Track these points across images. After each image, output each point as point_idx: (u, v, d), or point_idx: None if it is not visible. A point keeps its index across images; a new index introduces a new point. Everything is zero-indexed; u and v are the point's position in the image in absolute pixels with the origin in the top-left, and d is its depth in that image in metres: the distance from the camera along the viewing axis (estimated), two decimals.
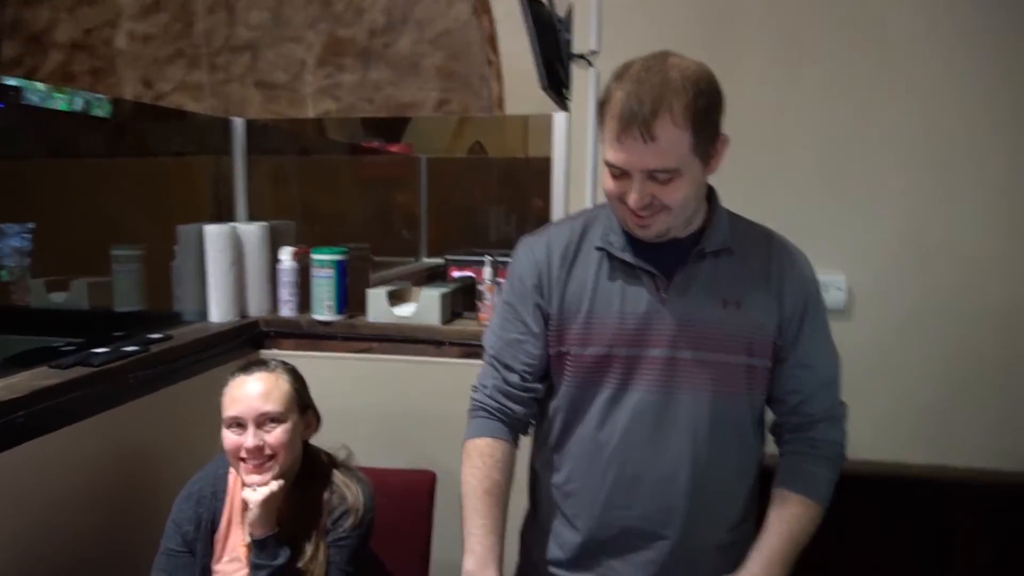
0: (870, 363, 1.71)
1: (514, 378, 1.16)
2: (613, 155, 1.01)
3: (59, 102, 2.26)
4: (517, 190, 3.49)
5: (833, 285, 1.75)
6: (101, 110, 2.33)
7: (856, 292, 1.76)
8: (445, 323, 1.92)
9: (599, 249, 1.13)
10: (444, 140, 3.73)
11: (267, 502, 1.24)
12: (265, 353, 1.99)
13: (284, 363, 1.37)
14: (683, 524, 1.11)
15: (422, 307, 1.91)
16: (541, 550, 1.21)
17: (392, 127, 3.42)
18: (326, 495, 1.34)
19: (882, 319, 1.73)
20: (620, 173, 1.02)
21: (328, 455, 1.42)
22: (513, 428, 1.18)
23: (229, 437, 1.28)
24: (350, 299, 1.99)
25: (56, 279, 2.07)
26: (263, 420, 1.27)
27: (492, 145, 3.70)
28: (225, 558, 1.35)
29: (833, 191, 1.71)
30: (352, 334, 1.95)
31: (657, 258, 1.09)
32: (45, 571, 1.38)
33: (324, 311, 1.95)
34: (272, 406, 1.28)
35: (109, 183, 2.15)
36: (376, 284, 2.07)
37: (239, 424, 1.27)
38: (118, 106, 2.32)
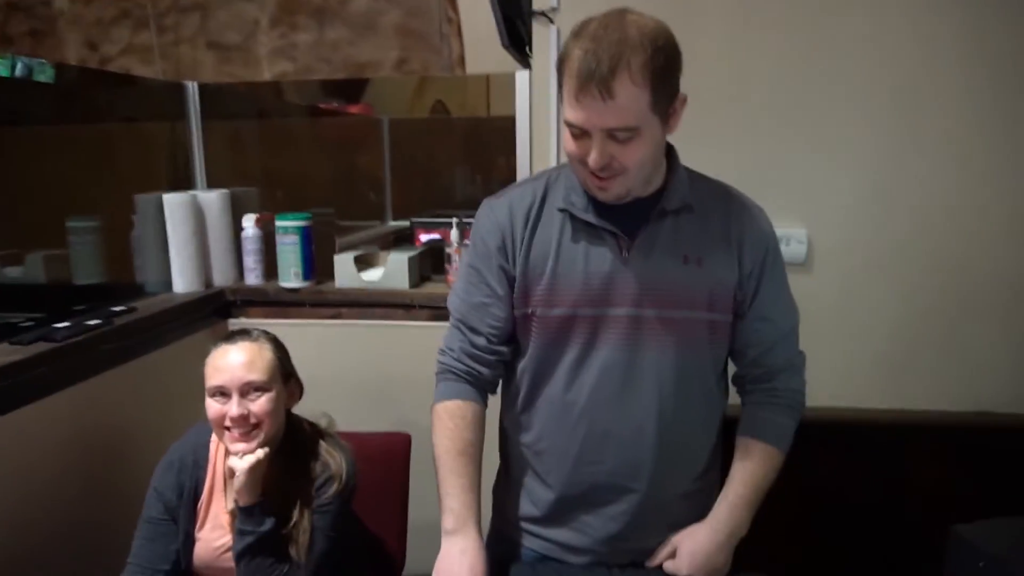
0: (830, 313, 1.75)
1: (480, 341, 1.18)
2: (572, 114, 1.01)
3: None
4: (481, 149, 3.46)
5: (795, 238, 1.78)
6: (44, 75, 2.23)
7: (816, 245, 1.79)
8: (413, 286, 1.92)
9: (561, 211, 1.13)
10: (405, 100, 3.66)
11: (253, 470, 1.24)
12: (233, 323, 1.97)
13: (267, 333, 1.36)
14: (651, 476, 1.15)
15: (390, 271, 1.91)
16: (515, 507, 1.24)
17: (351, 88, 3.35)
18: (309, 463, 1.34)
19: (841, 271, 1.76)
20: (580, 133, 1.02)
21: (311, 424, 1.42)
22: (481, 389, 1.20)
23: (213, 406, 1.27)
24: (317, 265, 1.97)
25: (9, 253, 2.01)
26: (247, 389, 1.26)
27: (455, 104, 3.65)
28: (208, 525, 1.35)
29: (794, 146, 1.72)
30: (320, 300, 1.94)
31: (619, 218, 1.11)
32: (19, 546, 1.38)
33: (291, 278, 1.93)
34: (256, 375, 1.27)
35: (58, 152, 2.06)
36: (343, 249, 2.05)
37: (223, 393, 1.27)
38: (62, 71, 2.23)
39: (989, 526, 0.77)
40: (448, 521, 1.11)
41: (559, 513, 1.19)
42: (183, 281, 1.89)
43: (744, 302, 1.15)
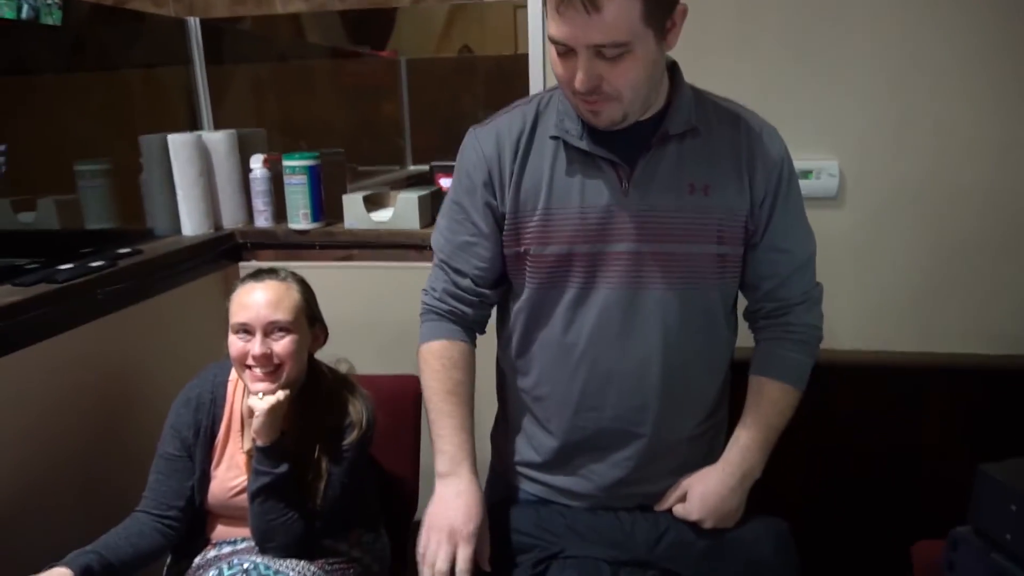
0: (860, 252, 1.66)
1: (465, 283, 1.11)
2: (555, 29, 0.90)
3: (4, 9, 2.11)
4: (506, 89, 3.33)
5: (826, 171, 1.69)
6: (51, 17, 2.18)
7: (848, 178, 1.69)
8: (425, 227, 1.85)
9: (554, 138, 1.04)
10: (431, 45, 3.54)
11: (273, 411, 1.22)
12: (244, 266, 1.95)
13: (294, 274, 1.33)
14: (656, 420, 1.09)
15: (400, 211, 1.85)
16: (514, 452, 1.19)
17: (377, 33, 3.24)
18: (328, 409, 1.32)
19: (873, 206, 1.67)
20: (565, 50, 0.91)
21: (332, 370, 1.39)
22: (468, 328, 1.14)
23: (236, 344, 1.25)
24: (326, 206, 1.92)
25: (22, 199, 1.99)
26: (271, 328, 1.24)
27: (480, 48, 3.52)
28: (223, 465, 1.34)
29: (823, 73, 1.60)
30: (330, 242, 1.90)
31: (617, 145, 1.01)
32: (23, 486, 1.38)
33: (300, 219, 1.89)
34: (281, 315, 1.24)
35: (68, 97, 2.03)
36: (354, 190, 1.99)
37: (246, 331, 1.24)
38: (70, 10, 2.17)
39: (1019, 464, 0.70)
40: (441, 463, 1.06)
41: (561, 459, 1.14)
42: (191, 223, 1.86)
43: (756, 232, 1.06)
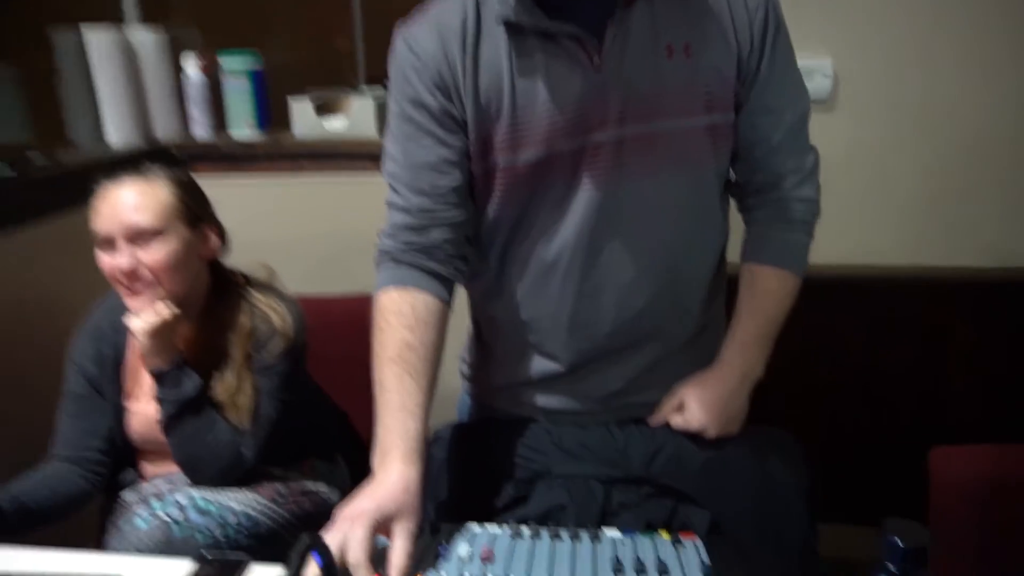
0: (852, 160, 1.58)
1: (433, 212, 0.91)
2: None
3: None
4: None
5: (819, 71, 1.57)
6: None
7: (843, 80, 1.57)
8: (383, 135, 1.67)
9: (506, 24, 0.85)
10: None
11: (157, 331, 1.06)
12: None
13: (166, 167, 1.14)
14: (653, 330, 0.96)
15: (355, 118, 1.66)
16: (492, 376, 1.05)
17: None
18: (245, 319, 1.16)
19: (868, 112, 1.57)
20: None
21: (245, 276, 1.23)
22: (435, 276, 0.92)
23: (103, 258, 1.08)
24: (273, 113, 1.73)
25: None
26: (135, 236, 1.06)
27: None
28: (139, 397, 1.19)
29: None
30: (278, 153, 1.70)
31: (578, 14, 0.84)
32: None
33: (243, 128, 1.69)
34: (143, 218, 1.06)
35: None
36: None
37: (108, 242, 1.07)
38: None
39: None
40: (375, 455, 0.83)
41: (548, 382, 1.00)
42: (117, 132, 1.65)
43: (744, 89, 0.91)
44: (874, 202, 1.62)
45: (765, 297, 0.97)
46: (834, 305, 1.59)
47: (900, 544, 0.53)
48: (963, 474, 0.94)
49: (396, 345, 0.87)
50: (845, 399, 1.67)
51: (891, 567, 0.54)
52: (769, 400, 1.01)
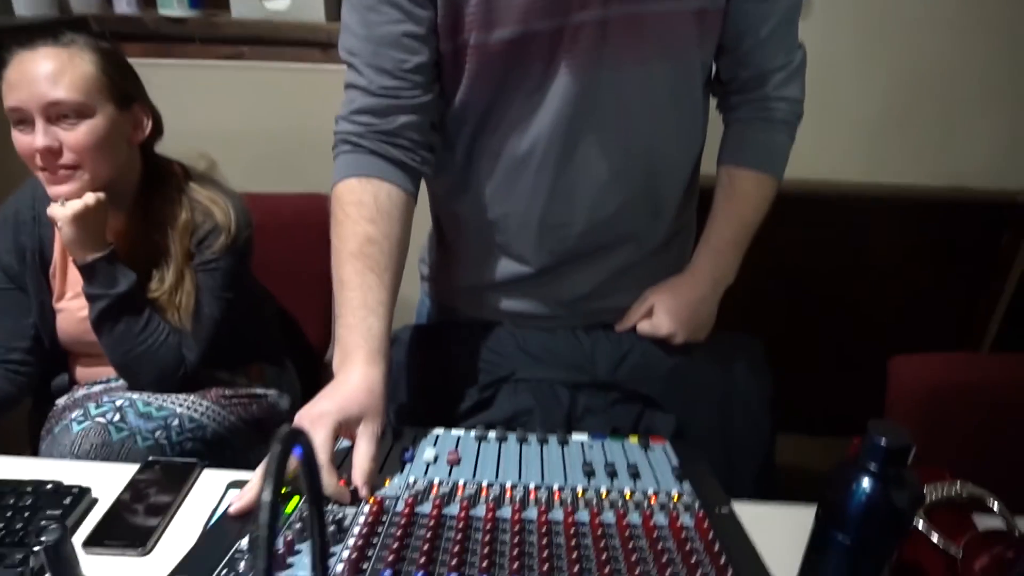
0: (818, 71, 1.53)
1: (396, 91, 0.82)
2: None
3: None
4: None
5: None
6: None
7: None
8: (332, 19, 1.53)
9: None
10: None
11: (81, 219, 0.96)
12: None
13: (90, 38, 1.01)
14: (627, 230, 0.92)
15: None
16: (455, 277, 1.00)
17: None
18: (183, 213, 1.07)
19: (838, 20, 1.52)
20: None
21: (182, 166, 1.13)
22: (399, 164, 0.84)
23: (18, 138, 0.97)
24: None
25: None
26: (54, 113, 0.95)
27: None
28: (68, 294, 1.10)
29: None
30: (214, 35, 1.55)
31: None
32: None
33: (174, 5, 1.52)
34: (64, 93, 0.95)
35: None
36: None
37: (23, 119, 0.96)
38: None
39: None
40: (336, 354, 0.77)
41: (514, 285, 0.95)
42: (26, 1, 1.46)
43: None
44: (835, 117, 1.61)
45: (742, 201, 0.94)
46: (795, 220, 1.59)
47: (883, 444, 0.52)
48: (917, 380, 0.96)
49: (357, 239, 0.80)
50: (811, 311, 1.69)
51: (872, 467, 0.53)
52: (736, 307, 1.00)
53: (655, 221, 0.95)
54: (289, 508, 0.60)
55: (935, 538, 0.65)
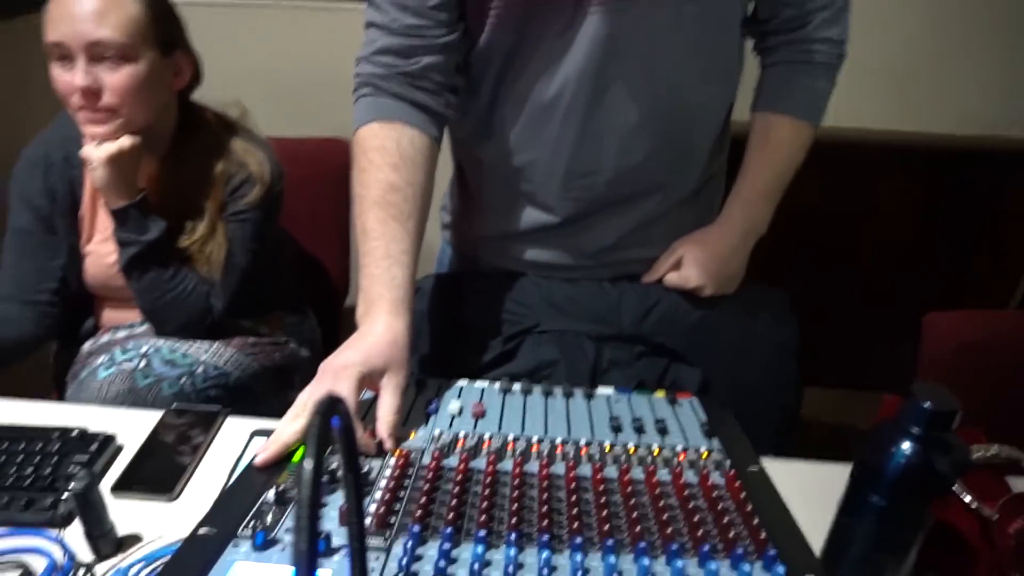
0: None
1: (415, 23, 0.78)
2: None
3: None
4: None
5: None
6: None
7: None
8: None
9: None
10: None
11: (115, 162, 0.95)
12: None
13: None
14: (657, 178, 0.89)
15: None
16: (477, 226, 0.98)
17: None
18: (218, 163, 1.05)
19: None
20: None
21: (217, 114, 1.10)
22: (422, 108, 0.81)
23: (57, 74, 0.94)
24: None
25: None
26: (97, 52, 0.92)
27: None
28: (96, 237, 1.09)
29: None
30: None
31: None
32: None
33: None
34: (108, 32, 0.92)
35: None
36: None
37: (64, 55, 0.93)
38: None
39: None
40: (359, 303, 0.76)
41: (538, 234, 0.93)
42: None
43: None
44: (856, 63, 1.55)
45: (777, 149, 0.90)
46: (819, 169, 1.55)
47: (928, 407, 0.51)
48: (952, 337, 0.94)
49: (379, 186, 0.78)
50: (841, 264, 1.66)
51: (915, 430, 0.51)
52: (760, 257, 0.97)
53: (685, 169, 0.92)
54: (296, 458, 0.60)
55: (969, 500, 0.64)
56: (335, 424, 0.24)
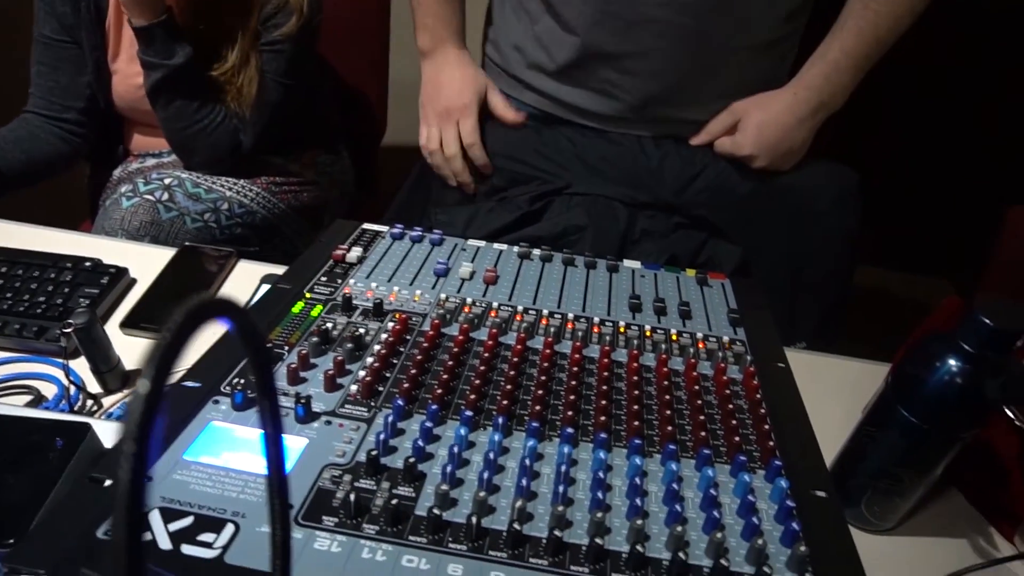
0: None
1: None
2: None
3: None
4: None
5: None
6: None
7: None
8: None
9: None
10: None
11: None
12: None
13: None
14: (716, 17, 0.77)
15: None
16: (513, 55, 0.88)
17: None
18: None
19: None
20: None
21: None
22: None
23: None
24: None
25: None
26: None
27: None
28: (123, 55, 1.04)
29: None
30: None
31: None
32: None
33: None
34: None
35: None
36: None
37: None
38: None
39: None
40: (422, 40, 0.87)
41: (579, 65, 0.83)
42: None
43: None
44: None
45: (879, 11, 0.76)
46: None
47: (990, 324, 0.44)
48: None
49: None
50: (914, 145, 1.49)
51: (969, 348, 0.45)
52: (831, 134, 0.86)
53: (760, 12, 0.79)
54: (295, 309, 0.57)
55: (1013, 416, 0.58)
56: (229, 327, 0.20)
